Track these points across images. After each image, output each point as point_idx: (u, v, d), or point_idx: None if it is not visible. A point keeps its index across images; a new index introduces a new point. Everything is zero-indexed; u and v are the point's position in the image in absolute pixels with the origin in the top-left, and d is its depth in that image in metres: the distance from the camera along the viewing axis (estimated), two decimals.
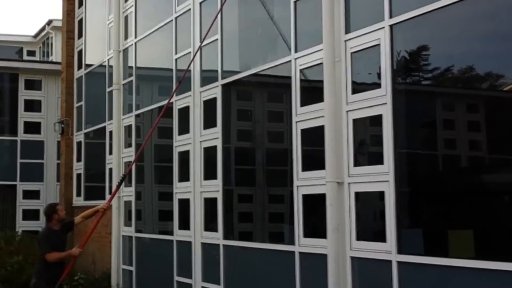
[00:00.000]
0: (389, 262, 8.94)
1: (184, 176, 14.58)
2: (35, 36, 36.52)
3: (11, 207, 28.18)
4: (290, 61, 11.24)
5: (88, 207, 18.08)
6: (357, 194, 9.69)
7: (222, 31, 13.40)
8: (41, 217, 27.35)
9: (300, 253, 10.72)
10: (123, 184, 13.48)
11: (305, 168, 10.78)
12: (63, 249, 11.91)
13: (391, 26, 9.24)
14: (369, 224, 9.86)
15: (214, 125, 13.40)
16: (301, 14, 11.17)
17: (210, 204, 13.53)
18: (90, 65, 21.54)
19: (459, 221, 8.39)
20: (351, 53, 9.92)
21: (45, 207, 12.54)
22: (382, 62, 9.29)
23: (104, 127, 19.59)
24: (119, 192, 17.36)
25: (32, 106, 29.05)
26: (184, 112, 14.64)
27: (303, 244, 10.65)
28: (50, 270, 11.67)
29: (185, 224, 14.46)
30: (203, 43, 13.66)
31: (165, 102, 15.58)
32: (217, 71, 13.42)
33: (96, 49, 21.08)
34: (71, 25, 23.29)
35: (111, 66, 18.91)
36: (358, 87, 9.82)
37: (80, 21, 22.77)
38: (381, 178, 9.15)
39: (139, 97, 17.65)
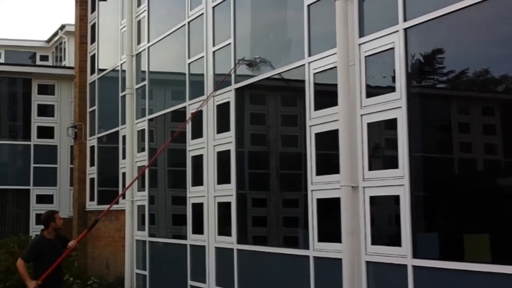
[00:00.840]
0: (405, 266, 8.91)
1: (198, 180, 14.57)
2: (48, 41, 36.60)
3: (25, 212, 28.25)
4: (303, 65, 11.22)
5: (102, 211, 18.16)
6: (372, 198, 9.66)
7: (235, 35, 13.40)
8: None
9: (315, 257, 10.70)
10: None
11: (319, 172, 10.76)
12: (52, 258, 11.59)
13: (405, 30, 9.22)
14: (384, 228, 9.83)
15: (227, 129, 13.39)
16: (315, 17, 11.15)
17: (223, 208, 13.52)
18: (103, 70, 21.57)
19: (474, 225, 8.35)
20: (365, 56, 9.90)
21: (44, 214, 12.40)
22: (396, 66, 9.27)
23: (117, 131, 19.61)
24: (132, 196, 17.42)
25: (45, 110, 29.09)
26: (198, 116, 14.62)
27: (318, 249, 10.63)
28: (36, 271, 11.62)
29: (198, 228, 14.44)
30: (216, 48, 13.75)
31: (178, 107, 15.64)
32: (230, 75, 13.40)
33: (109, 54, 21.10)
34: (84, 30, 23.33)
35: (124, 71, 18.93)
36: (372, 91, 9.79)
37: (93, 26, 22.81)
38: (396, 182, 9.12)
39: (152, 101, 17.66)
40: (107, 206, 18.01)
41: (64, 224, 12.70)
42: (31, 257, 11.73)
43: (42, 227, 12.10)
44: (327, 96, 10.72)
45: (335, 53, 10.28)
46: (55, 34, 35.09)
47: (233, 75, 13.29)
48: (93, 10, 22.89)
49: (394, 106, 9.24)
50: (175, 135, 13.98)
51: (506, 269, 7.56)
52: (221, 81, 13.54)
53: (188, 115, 15.08)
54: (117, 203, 17.77)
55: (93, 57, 22.65)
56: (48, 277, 11.40)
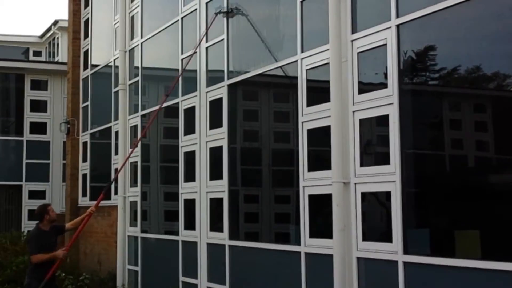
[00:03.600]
0: (395, 262, 8.93)
1: (190, 176, 14.58)
2: (41, 36, 36.51)
3: (17, 207, 28.24)
4: (296, 61, 11.23)
5: None
6: (364, 195, 9.68)
7: (228, 31, 13.40)
8: None
9: (306, 253, 10.71)
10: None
11: (311, 168, 10.77)
12: (52, 249, 12.07)
13: (397, 26, 9.23)
14: (375, 224, 9.85)
15: (220, 125, 13.39)
16: (308, 14, 11.16)
17: (216, 204, 13.53)
18: (96, 66, 21.56)
19: (465, 222, 8.37)
20: (358, 53, 9.91)
21: (37, 208, 12.68)
22: (388, 62, 9.28)
23: (110, 127, 19.60)
24: (124, 192, 17.41)
25: (38, 106, 29.06)
26: (190, 112, 14.63)
27: (309, 245, 10.64)
28: (41, 269, 11.90)
29: (190, 224, 14.45)
30: (208, 44, 13.79)
31: (171, 102, 15.62)
32: (223, 71, 13.41)
33: (102, 50, 21.08)
34: (77, 26, 23.31)
35: (117, 67, 18.92)
36: (364, 87, 9.80)
37: (86, 22, 22.79)
38: (388, 178, 9.14)
39: (145, 97, 17.65)
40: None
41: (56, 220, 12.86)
42: (38, 249, 11.98)
43: (34, 222, 12.39)
44: (319, 92, 10.73)
45: (328, 49, 10.29)
46: (48, 29, 35.01)
47: (225, 71, 13.29)
48: (86, 5, 22.87)
49: (386, 102, 9.25)
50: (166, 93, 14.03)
51: (497, 265, 7.58)
52: (199, 42, 13.61)
53: (181, 111, 15.08)
54: (108, 198, 17.81)
55: (86, 52, 22.63)
56: (43, 270, 11.80)
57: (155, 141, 17.32)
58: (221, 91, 13.43)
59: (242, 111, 13.59)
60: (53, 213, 12.37)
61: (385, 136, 9.25)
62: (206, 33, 13.80)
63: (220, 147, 13.34)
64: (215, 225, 13.54)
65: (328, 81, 10.13)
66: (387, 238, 9.09)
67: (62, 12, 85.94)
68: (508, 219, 7.78)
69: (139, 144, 17.34)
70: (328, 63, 10.23)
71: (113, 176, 19.02)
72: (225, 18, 13.37)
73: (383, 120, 9.30)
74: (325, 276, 10.07)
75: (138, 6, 18.04)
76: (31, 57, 36.20)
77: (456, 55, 8.70)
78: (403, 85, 9.14)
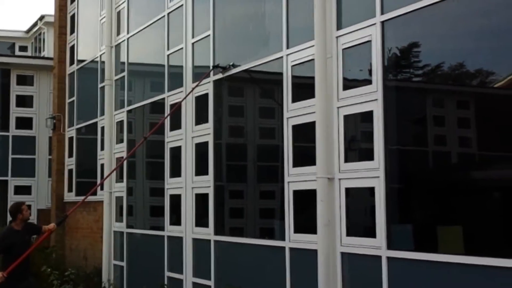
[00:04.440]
0: (379, 257, 8.99)
1: (176, 171, 14.60)
2: (27, 31, 36.40)
3: (2, 203, 28.14)
4: (281, 57, 11.26)
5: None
6: (348, 190, 9.72)
7: (214, 27, 13.42)
8: (32, 212, 27.36)
9: (291, 248, 10.75)
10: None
11: (296, 164, 10.81)
12: (23, 249, 11.57)
13: (382, 23, 9.28)
14: (359, 219, 9.90)
15: (205, 120, 13.41)
16: (293, 10, 11.19)
17: (201, 199, 13.55)
18: (82, 61, 21.53)
19: (448, 217, 8.43)
20: (343, 49, 9.96)
21: (10, 206, 12.47)
22: (373, 59, 9.33)
23: (96, 122, 19.60)
24: (110, 187, 17.40)
25: (24, 101, 29.04)
26: (176, 108, 14.63)
27: (294, 240, 10.69)
28: (5, 263, 11.57)
29: (176, 219, 14.47)
30: (195, 40, 13.82)
31: (156, 98, 15.65)
32: (209, 67, 13.42)
33: (88, 45, 21.05)
34: (63, 21, 23.27)
35: (103, 62, 18.92)
36: (349, 83, 9.85)
37: (73, 17, 22.75)
38: (372, 174, 9.19)
39: (131, 92, 17.64)
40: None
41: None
42: (1, 250, 11.75)
43: None
44: (304, 88, 10.76)
45: (313, 46, 10.33)
46: (35, 24, 34.91)
47: (211, 67, 13.30)
48: (72, 0, 22.84)
49: (370, 98, 9.30)
50: (147, 136, 13.98)
51: (479, 260, 7.64)
52: (194, 86, 13.54)
53: (167, 107, 15.09)
54: (94, 194, 17.80)
55: (72, 48, 22.60)
56: (17, 268, 11.31)
57: (141, 136, 17.29)
58: (207, 87, 13.45)
59: (228, 106, 13.61)
60: (27, 212, 12.09)
61: (369, 132, 9.30)
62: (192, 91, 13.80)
63: (206, 143, 13.37)
64: (201, 220, 13.57)
65: (313, 77, 10.17)
66: (371, 233, 9.15)
67: (48, 7, 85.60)
68: (490, 215, 7.87)
69: (124, 139, 17.36)
70: (313, 59, 10.28)
71: (99, 171, 19.04)
72: (211, 16, 13.41)
73: (368, 116, 9.35)
74: (310, 271, 10.12)
75: (125, 1, 18.03)
76: (17, 52, 36.09)
77: (440, 52, 8.74)
78: (387, 81, 9.18)
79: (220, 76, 13.07)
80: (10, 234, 11.92)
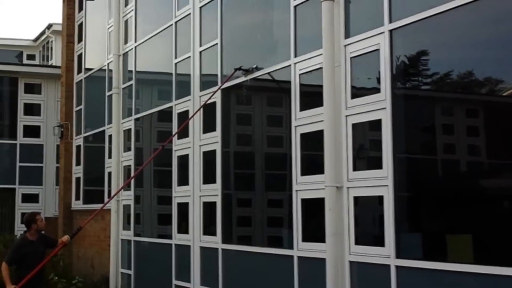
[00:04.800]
0: (388, 266, 8.96)
1: (183, 180, 14.60)
2: (35, 40, 36.52)
3: (10, 211, 28.21)
4: (290, 65, 11.26)
5: (87, 211, 18.19)
6: (356, 199, 9.71)
7: (222, 35, 13.43)
8: None
9: (299, 257, 10.73)
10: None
11: (304, 172, 10.80)
12: (36, 259, 11.52)
13: (390, 31, 9.27)
14: (368, 228, 9.88)
15: (213, 129, 13.42)
16: (301, 18, 11.20)
17: (209, 208, 13.55)
18: (90, 69, 21.57)
19: (457, 226, 8.40)
20: (351, 58, 9.95)
21: (25, 216, 12.40)
22: (381, 67, 9.32)
23: (104, 131, 19.61)
24: (118, 196, 17.39)
25: (32, 109, 29.09)
26: (184, 116, 14.65)
27: (302, 249, 10.67)
28: (18, 273, 11.54)
29: (184, 228, 14.46)
30: (202, 48, 13.84)
31: (164, 106, 15.67)
32: (216, 75, 13.44)
33: (96, 53, 21.10)
34: (71, 29, 23.32)
35: (110, 70, 18.94)
36: (357, 92, 9.84)
37: (80, 25, 22.79)
38: (380, 182, 9.17)
39: (139, 101, 17.67)
40: (93, 205, 18.08)
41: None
42: (14, 260, 11.70)
43: None
44: (312, 96, 10.76)
45: (321, 54, 10.31)
46: (42, 33, 35.02)
47: (219, 76, 13.32)
48: (80, 9, 22.88)
49: (379, 107, 9.28)
50: (165, 143, 13.97)
51: (489, 269, 7.61)
52: (217, 89, 13.42)
53: (175, 115, 15.11)
54: (102, 202, 17.79)
55: (80, 56, 22.64)
56: (31, 279, 11.25)
57: (148, 145, 17.35)
58: (215, 95, 13.45)
59: (236, 115, 13.61)
60: (42, 223, 12.00)
61: (378, 141, 9.28)
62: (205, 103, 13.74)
63: (214, 151, 13.37)
64: (208, 228, 13.56)
65: (321, 86, 10.15)
66: (380, 242, 9.12)
67: (56, 16, 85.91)
68: (500, 224, 7.83)
69: (132, 148, 17.37)
70: (321, 68, 10.26)
71: (106, 179, 19.04)
72: (219, 25, 13.44)
73: (376, 125, 9.33)
74: (318, 280, 10.09)
75: (132, 10, 18.07)
76: (25, 61, 36.21)
77: (448, 60, 8.74)
78: (395, 89, 9.17)
79: (228, 84, 13.06)
80: (24, 244, 11.86)
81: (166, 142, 14.14)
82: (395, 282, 8.88)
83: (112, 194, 17.39)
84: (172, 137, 14.52)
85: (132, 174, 17.07)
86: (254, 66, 12.42)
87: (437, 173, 9.03)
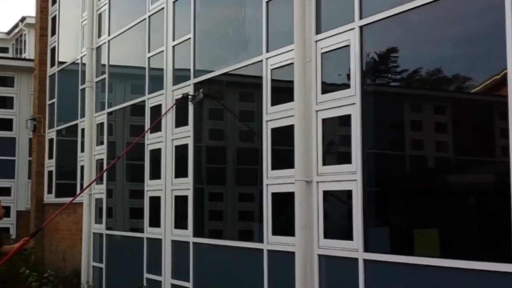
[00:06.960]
0: (356, 260, 9.06)
1: (155, 174, 14.63)
2: (8, 33, 36.33)
3: None
4: (261, 60, 11.32)
5: (59, 204, 18.13)
6: (325, 193, 9.79)
7: (195, 30, 13.47)
8: (11, 214, 27.30)
9: (269, 250, 10.81)
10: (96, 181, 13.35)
11: (275, 167, 10.87)
12: None
13: (361, 27, 9.36)
14: (337, 222, 9.96)
15: (185, 123, 13.45)
16: (273, 14, 11.26)
17: (180, 202, 13.59)
18: (63, 63, 21.49)
19: (424, 221, 8.51)
20: (322, 53, 10.02)
21: None
22: (351, 63, 9.40)
23: (77, 124, 19.58)
24: (90, 189, 17.37)
25: (4, 102, 28.98)
26: (156, 110, 14.68)
27: (272, 242, 10.75)
28: None
29: (155, 221, 14.50)
30: (175, 43, 13.88)
31: (137, 100, 15.68)
32: (189, 69, 13.47)
33: (69, 47, 21.03)
34: (45, 22, 23.22)
35: (84, 64, 18.91)
36: (327, 87, 9.92)
37: (54, 19, 22.70)
38: (349, 177, 9.26)
39: (112, 95, 17.65)
40: (65, 199, 18.03)
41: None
42: None
43: None
44: (283, 92, 10.82)
45: (292, 50, 10.39)
46: (16, 26, 34.86)
47: (192, 70, 13.37)
48: (54, 2, 22.78)
49: (349, 102, 9.38)
50: (138, 139, 14.01)
51: (455, 263, 7.72)
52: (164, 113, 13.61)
53: (147, 109, 15.13)
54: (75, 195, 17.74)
55: (53, 49, 22.56)
56: None
57: (121, 139, 17.34)
58: (187, 90, 13.49)
59: (208, 109, 13.65)
60: (1, 210, 11.95)
61: (347, 136, 9.37)
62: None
63: (186, 145, 13.41)
64: (180, 222, 13.61)
65: (292, 81, 10.23)
66: (348, 236, 9.22)
67: (30, 9, 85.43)
68: (465, 218, 7.95)
69: (105, 141, 17.36)
70: (292, 63, 10.34)
71: (79, 173, 19.02)
72: (192, 19, 13.48)
73: (346, 120, 9.42)
74: (287, 273, 10.17)
75: (106, 4, 18.04)
76: None
77: (417, 57, 8.83)
78: (365, 85, 9.27)
79: (200, 79, 13.11)
80: None
81: (131, 146, 14.16)
82: (362, 275, 8.98)
83: (84, 187, 17.40)
84: (142, 136, 14.52)
85: (104, 167, 17.07)
86: (201, 90, 12.82)
87: (405, 168, 9.13)
